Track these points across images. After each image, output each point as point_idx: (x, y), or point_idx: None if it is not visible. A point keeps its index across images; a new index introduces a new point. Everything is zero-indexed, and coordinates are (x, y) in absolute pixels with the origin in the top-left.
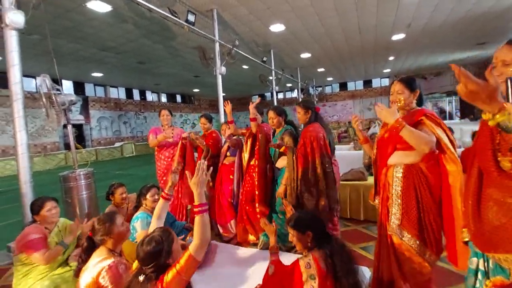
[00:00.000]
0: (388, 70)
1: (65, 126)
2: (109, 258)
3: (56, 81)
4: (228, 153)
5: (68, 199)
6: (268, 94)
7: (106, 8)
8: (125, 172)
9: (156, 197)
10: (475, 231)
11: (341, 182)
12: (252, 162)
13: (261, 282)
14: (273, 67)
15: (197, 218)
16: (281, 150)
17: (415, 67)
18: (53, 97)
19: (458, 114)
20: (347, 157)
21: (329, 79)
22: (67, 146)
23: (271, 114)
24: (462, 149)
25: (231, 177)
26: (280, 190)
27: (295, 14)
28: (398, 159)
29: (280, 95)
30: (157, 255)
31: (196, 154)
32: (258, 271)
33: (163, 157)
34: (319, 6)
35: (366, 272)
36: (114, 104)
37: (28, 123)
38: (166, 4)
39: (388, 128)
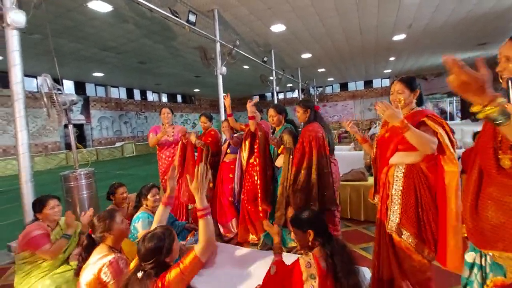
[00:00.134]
0: (389, 70)
1: (66, 126)
2: (110, 254)
3: (57, 81)
4: (228, 150)
5: (69, 199)
6: (268, 94)
7: (107, 8)
8: (125, 172)
9: (157, 197)
10: (472, 228)
11: (341, 183)
12: (251, 160)
13: (261, 283)
14: (273, 67)
15: (201, 222)
16: (279, 151)
17: (416, 67)
18: (54, 97)
19: (459, 114)
20: (347, 157)
21: (330, 79)
22: (68, 146)
23: (271, 112)
24: (463, 149)
25: (230, 175)
26: (280, 190)
27: (295, 14)
28: (399, 159)
29: (281, 95)
30: (158, 251)
31: (196, 154)
32: (258, 271)
33: (164, 156)
34: (320, 6)
35: (366, 273)
36: (115, 104)
37: (29, 123)
38: (167, 4)
39: (388, 127)
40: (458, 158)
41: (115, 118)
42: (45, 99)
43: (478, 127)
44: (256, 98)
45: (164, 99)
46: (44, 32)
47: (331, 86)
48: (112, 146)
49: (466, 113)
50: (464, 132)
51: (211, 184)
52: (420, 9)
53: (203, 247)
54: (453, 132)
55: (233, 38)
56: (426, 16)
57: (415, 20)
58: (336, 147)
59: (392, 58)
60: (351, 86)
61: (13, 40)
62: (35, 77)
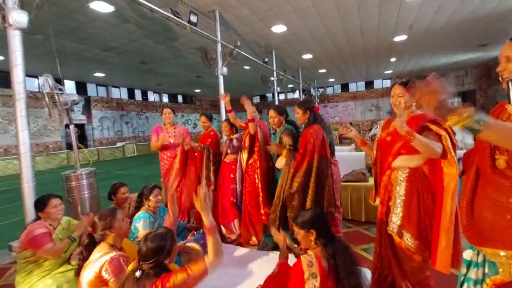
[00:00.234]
0: (390, 71)
1: (67, 126)
2: (111, 252)
3: (59, 81)
4: (228, 151)
5: (70, 199)
6: (269, 95)
7: (108, 8)
8: (126, 172)
9: (159, 197)
10: (467, 225)
11: (342, 183)
12: (250, 161)
13: (262, 283)
14: (274, 68)
15: (209, 238)
16: (283, 155)
17: (417, 68)
18: (56, 97)
19: None
20: (348, 158)
21: (331, 80)
22: (69, 146)
23: (272, 113)
24: (464, 151)
25: (232, 176)
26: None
27: (297, 15)
28: (402, 163)
29: (282, 96)
30: (159, 252)
31: (196, 155)
32: (259, 271)
33: (166, 157)
34: (321, 7)
35: (367, 274)
36: (116, 104)
37: (31, 123)
38: (168, 4)
39: (389, 131)
40: (459, 159)
41: (116, 118)
42: (46, 99)
43: None
44: (246, 100)
45: (165, 99)
46: (46, 33)
47: (332, 87)
48: (113, 146)
49: None
50: (465, 133)
51: (212, 187)
52: (421, 9)
53: (214, 261)
54: (454, 133)
55: (234, 38)
56: (427, 16)
57: (417, 20)
58: (337, 147)
59: (393, 59)
60: (352, 87)
61: (15, 41)
62: (37, 77)
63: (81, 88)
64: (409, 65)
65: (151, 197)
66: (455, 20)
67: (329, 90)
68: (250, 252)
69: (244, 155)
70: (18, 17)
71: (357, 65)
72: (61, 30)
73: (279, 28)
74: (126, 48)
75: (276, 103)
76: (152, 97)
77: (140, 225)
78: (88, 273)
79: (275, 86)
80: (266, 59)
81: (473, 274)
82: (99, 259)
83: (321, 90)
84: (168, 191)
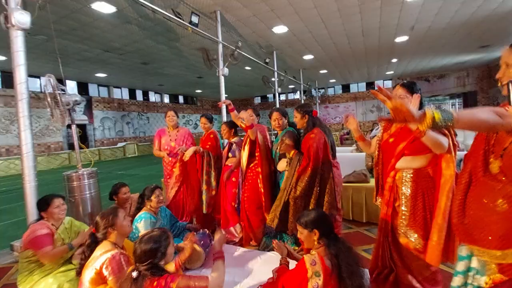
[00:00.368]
0: (391, 72)
1: (69, 126)
2: (113, 250)
3: (61, 81)
4: (230, 154)
5: (71, 199)
6: (270, 96)
7: (110, 9)
8: (127, 172)
9: (161, 197)
10: (458, 224)
11: (343, 184)
12: (251, 165)
13: (262, 283)
14: (275, 69)
15: (217, 262)
16: (290, 155)
17: (419, 69)
18: (58, 97)
19: None
20: (349, 159)
21: (332, 81)
22: (70, 146)
23: (276, 115)
24: (465, 152)
25: (233, 179)
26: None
27: (298, 16)
28: (406, 164)
29: (283, 97)
30: (153, 254)
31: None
32: (260, 271)
33: (167, 161)
34: (322, 8)
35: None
36: (117, 105)
37: (32, 123)
38: (170, 5)
39: (391, 132)
40: (460, 160)
41: (117, 119)
42: (49, 99)
43: None
44: (223, 101)
45: (166, 99)
46: (48, 33)
47: (333, 88)
48: (114, 146)
49: None
50: (466, 134)
51: (213, 192)
52: (422, 11)
53: (216, 283)
54: (455, 134)
55: (235, 39)
56: (428, 18)
57: (418, 22)
58: (338, 148)
59: (394, 60)
60: (353, 87)
61: (18, 41)
62: (39, 77)
63: (82, 88)
64: (410, 66)
65: (152, 198)
66: (456, 21)
67: (330, 91)
68: (250, 252)
69: (244, 160)
70: (21, 18)
71: (358, 66)
72: (63, 30)
73: (280, 29)
74: (128, 48)
75: (277, 104)
76: (153, 97)
77: (141, 226)
78: (90, 271)
79: (276, 87)
80: (267, 60)
81: (465, 267)
82: (101, 257)
83: (322, 91)
84: (167, 199)
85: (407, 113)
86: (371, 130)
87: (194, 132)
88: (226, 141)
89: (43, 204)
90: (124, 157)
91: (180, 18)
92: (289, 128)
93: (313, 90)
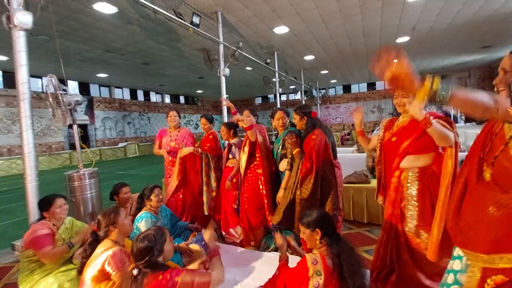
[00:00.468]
0: None
1: (70, 126)
2: (114, 247)
3: (62, 82)
4: (230, 156)
5: (72, 198)
6: (271, 96)
7: (112, 9)
8: (128, 172)
9: (161, 196)
10: (453, 226)
11: (344, 185)
12: (251, 166)
13: (262, 283)
14: (276, 69)
15: (214, 259)
16: (294, 152)
17: (420, 70)
18: (60, 97)
19: (463, 117)
20: (350, 159)
21: (333, 81)
22: (71, 146)
23: (281, 114)
24: (466, 153)
25: (234, 180)
26: (279, 194)
27: (299, 16)
28: (411, 163)
29: (283, 97)
30: (149, 252)
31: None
32: (260, 271)
33: (168, 160)
34: (324, 9)
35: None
36: (118, 105)
37: (34, 123)
38: (171, 6)
39: (394, 132)
40: (461, 162)
41: (118, 119)
42: (50, 99)
43: None
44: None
45: (167, 100)
46: (50, 33)
47: (334, 88)
48: (115, 146)
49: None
50: (468, 135)
51: (213, 193)
52: (424, 11)
53: (217, 279)
54: (457, 135)
55: (236, 40)
56: (430, 18)
57: (419, 22)
58: (339, 149)
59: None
60: (354, 88)
61: (20, 41)
62: (40, 77)
63: (84, 88)
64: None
65: (152, 197)
66: (458, 22)
67: (331, 92)
68: (251, 253)
69: (243, 161)
70: (23, 18)
71: (359, 66)
72: (65, 30)
73: (281, 30)
74: (129, 49)
75: (278, 104)
76: (154, 97)
77: (142, 225)
78: (92, 269)
79: (277, 87)
80: (268, 60)
81: (458, 267)
82: (102, 254)
83: (323, 91)
84: (166, 195)
85: (408, 77)
86: (372, 131)
87: (195, 132)
88: (227, 142)
89: (45, 204)
90: (125, 157)
91: (181, 19)
92: (290, 128)
93: (314, 91)
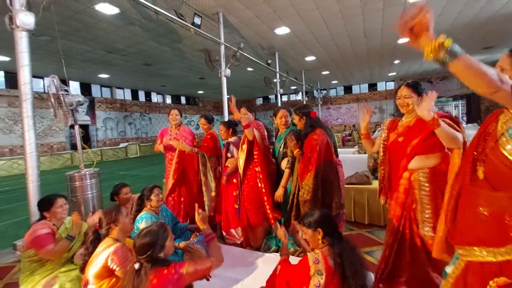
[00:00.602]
0: (394, 73)
1: (71, 127)
2: (115, 244)
3: (64, 82)
4: (228, 155)
5: (73, 198)
6: (272, 97)
7: (114, 10)
8: (129, 172)
9: (161, 196)
10: (450, 228)
11: (345, 186)
12: (250, 164)
13: (264, 284)
14: (277, 70)
15: (210, 244)
16: (295, 153)
17: (421, 70)
18: (61, 98)
19: (465, 118)
20: (351, 160)
21: (334, 82)
22: (73, 146)
23: (284, 112)
24: None
25: (234, 181)
26: (278, 193)
27: (300, 17)
28: (420, 163)
29: (285, 98)
30: (151, 247)
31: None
32: (261, 273)
33: (167, 159)
34: (325, 10)
35: (371, 277)
36: (119, 105)
37: (36, 123)
38: (173, 7)
39: (399, 132)
40: None
41: (119, 119)
42: (52, 100)
43: None
44: (231, 102)
45: (168, 100)
46: (52, 34)
47: (335, 89)
48: (117, 147)
49: (472, 117)
50: (470, 136)
51: (213, 194)
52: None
53: (216, 261)
54: (465, 135)
55: (237, 40)
56: (431, 19)
57: None
58: (340, 150)
59: (396, 61)
60: (355, 89)
61: (22, 42)
62: (42, 78)
63: (85, 89)
64: (412, 67)
65: (152, 197)
66: (459, 22)
67: (332, 92)
68: (251, 253)
69: (241, 159)
70: (25, 19)
71: (360, 67)
72: (67, 31)
73: (282, 30)
74: (131, 49)
75: (279, 105)
76: (155, 98)
77: (143, 226)
78: (95, 266)
79: (278, 88)
80: (269, 61)
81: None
82: (104, 251)
83: (324, 92)
84: (166, 191)
85: (425, 26)
86: (374, 132)
87: (196, 133)
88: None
89: (46, 204)
90: (126, 157)
91: (183, 20)
92: (292, 127)
93: (315, 91)
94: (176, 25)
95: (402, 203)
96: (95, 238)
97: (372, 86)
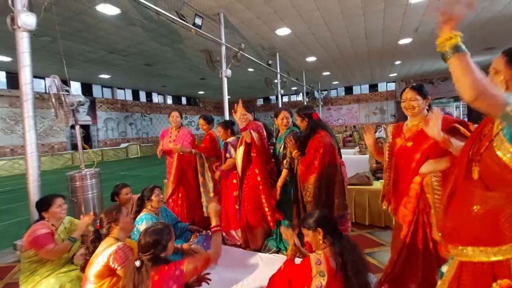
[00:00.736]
0: (395, 74)
1: (72, 127)
2: (116, 243)
3: (65, 82)
4: (227, 155)
5: (74, 199)
6: (273, 97)
7: (115, 11)
8: (130, 173)
9: (161, 196)
10: (442, 227)
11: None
12: (250, 165)
13: (264, 285)
14: (278, 71)
15: (215, 235)
16: (294, 155)
17: (422, 71)
18: (62, 98)
19: (466, 119)
20: (352, 161)
21: (335, 82)
22: (74, 147)
23: (285, 113)
24: None
25: (234, 181)
26: (276, 193)
27: (301, 18)
28: (431, 167)
29: (285, 99)
30: (155, 246)
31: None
32: (261, 273)
33: (167, 161)
34: (325, 10)
35: (372, 278)
36: (120, 106)
37: (37, 123)
38: (174, 7)
39: (407, 137)
40: None
41: (120, 120)
42: (53, 100)
43: None
44: (238, 106)
45: (169, 101)
46: (53, 35)
47: (335, 90)
48: (117, 147)
49: (473, 118)
50: None
51: (211, 194)
52: (427, 13)
53: (215, 254)
54: None
55: (238, 41)
56: (433, 20)
57: (422, 24)
58: (341, 150)
59: (397, 62)
60: (356, 89)
61: (23, 42)
62: (43, 78)
63: (86, 89)
64: (413, 68)
65: (152, 197)
66: (460, 23)
67: (333, 93)
68: (251, 254)
69: (239, 160)
70: (27, 19)
71: (361, 68)
72: (68, 32)
73: (283, 31)
74: (132, 50)
75: (280, 105)
76: (156, 98)
77: (143, 227)
78: (96, 265)
79: (279, 89)
80: (270, 62)
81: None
82: (105, 250)
83: (325, 92)
84: (166, 192)
85: (453, 20)
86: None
87: (196, 133)
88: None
89: (44, 204)
90: (127, 158)
91: (184, 20)
92: (292, 128)
93: (315, 92)
94: (177, 26)
95: (413, 208)
96: (96, 238)
97: (373, 87)
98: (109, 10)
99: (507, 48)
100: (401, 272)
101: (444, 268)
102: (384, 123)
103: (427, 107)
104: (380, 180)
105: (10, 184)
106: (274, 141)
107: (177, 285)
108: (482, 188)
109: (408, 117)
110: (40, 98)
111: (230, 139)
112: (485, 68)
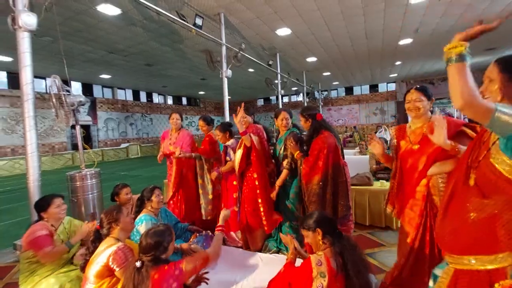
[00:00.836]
0: (395, 74)
1: (73, 127)
2: (116, 243)
3: (66, 82)
4: (227, 158)
5: (74, 199)
6: (273, 98)
7: (115, 11)
8: (130, 173)
9: (161, 197)
10: (438, 233)
11: None
12: (250, 167)
13: (263, 285)
14: (278, 71)
15: (217, 233)
16: (295, 155)
17: (423, 72)
18: (63, 98)
19: (466, 119)
20: (352, 161)
21: (335, 83)
22: (74, 147)
23: (285, 114)
24: None
25: (234, 183)
26: (273, 193)
27: (301, 18)
28: (438, 169)
29: (286, 99)
30: (157, 247)
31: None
32: (261, 274)
33: (168, 163)
34: (326, 10)
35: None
36: (121, 106)
37: (37, 123)
38: (174, 7)
39: (413, 140)
40: None
41: (121, 120)
42: (54, 100)
43: None
44: (240, 110)
45: (170, 101)
46: (54, 35)
47: (336, 90)
48: (118, 147)
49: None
50: None
51: (210, 196)
52: (427, 13)
53: (214, 252)
54: None
55: (238, 41)
56: (433, 20)
57: (422, 24)
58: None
59: (398, 63)
60: (357, 90)
61: (24, 42)
62: (44, 78)
63: (87, 89)
64: (414, 68)
65: (152, 198)
66: (461, 24)
67: (333, 93)
68: (251, 254)
69: (237, 162)
70: (28, 19)
71: (362, 68)
72: (69, 32)
73: (283, 31)
74: (132, 50)
75: (280, 106)
76: (156, 99)
77: (143, 228)
78: (96, 265)
79: (279, 89)
80: (270, 62)
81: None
82: (105, 251)
83: (325, 93)
84: (167, 195)
85: (470, 33)
86: (375, 133)
87: (196, 134)
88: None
89: (43, 205)
90: (127, 158)
91: (184, 20)
92: (292, 129)
93: (316, 93)
94: (177, 26)
95: (421, 211)
96: (96, 238)
97: (373, 87)
98: (110, 10)
99: (499, 57)
100: (409, 277)
101: (437, 271)
102: (384, 123)
103: (430, 109)
104: (381, 181)
105: (10, 184)
106: (275, 141)
107: (177, 283)
108: (479, 195)
109: (409, 119)
110: (41, 98)
111: (230, 142)
112: (485, 69)
